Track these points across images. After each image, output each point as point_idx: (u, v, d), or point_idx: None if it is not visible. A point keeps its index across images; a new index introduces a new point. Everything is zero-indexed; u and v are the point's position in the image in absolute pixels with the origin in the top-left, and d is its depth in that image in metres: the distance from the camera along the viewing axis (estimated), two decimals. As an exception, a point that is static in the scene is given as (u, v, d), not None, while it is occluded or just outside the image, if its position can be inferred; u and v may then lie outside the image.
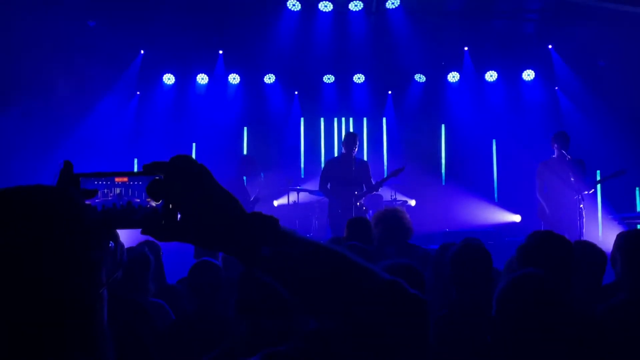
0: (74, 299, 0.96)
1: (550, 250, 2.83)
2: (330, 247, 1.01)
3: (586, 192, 7.69)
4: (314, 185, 10.61)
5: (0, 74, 8.71)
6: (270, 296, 2.17)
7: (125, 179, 1.03)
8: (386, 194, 9.80)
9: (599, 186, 9.17)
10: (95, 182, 1.03)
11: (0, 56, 8.67)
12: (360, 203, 7.87)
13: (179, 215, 0.97)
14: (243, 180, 9.33)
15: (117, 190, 1.02)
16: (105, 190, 1.03)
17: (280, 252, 0.96)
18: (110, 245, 1.04)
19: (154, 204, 1.00)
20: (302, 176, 11.97)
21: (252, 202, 9.25)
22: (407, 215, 5.08)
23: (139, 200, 1.02)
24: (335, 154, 11.82)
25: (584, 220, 7.52)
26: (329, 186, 8.05)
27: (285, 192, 10.60)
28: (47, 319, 0.94)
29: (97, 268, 1.00)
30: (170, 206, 0.97)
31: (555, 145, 8.15)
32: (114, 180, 1.03)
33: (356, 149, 8.13)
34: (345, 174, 7.88)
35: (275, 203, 11.11)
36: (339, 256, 1.00)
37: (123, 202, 1.02)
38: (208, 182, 0.97)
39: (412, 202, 10.85)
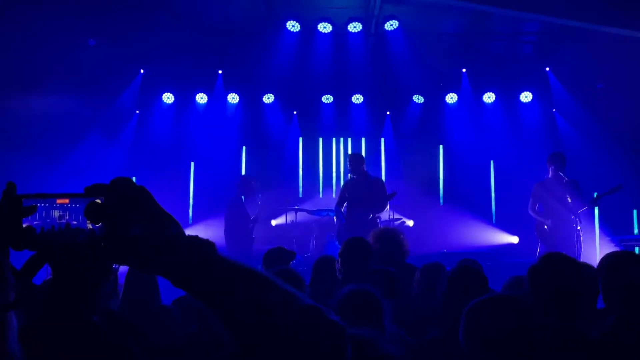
0: None
1: (563, 274, 2.81)
2: (260, 273, 1.02)
3: (580, 210, 7.74)
4: (312, 205, 10.63)
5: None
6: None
7: (66, 201, 1.03)
8: (384, 214, 9.78)
9: (596, 207, 9.17)
10: (37, 204, 1.02)
11: (1, 74, 8.70)
12: (374, 224, 7.86)
13: (117, 238, 0.96)
14: (242, 199, 9.36)
15: (56, 213, 1.03)
16: (44, 213, 1.03)
17: (212, 275, 0.97)
18: (114, 266, 1.04)
19: (90, 226, 1.00)
20: (301, 196, 11.97)
21: (251, 222, 9.26)
22: (404, 236, 5.07)
23: (76, 222, 1.02)
24: (334, 174, 11.87)
25: (582, 240, 7.53)
26: (343, 208, 8.08)
27: (284, 211, 10.61)
28: None
29: None
30: (109, 228, 0.96)
31: (552, 167, 8.19)
32: (54, 202, 1.03)
33: (365, 167, 8.22)
34: (361, 196, 7.90)
35: (273, 222, 11.11)
36: (267, 282, 1.01)
37: (62, 224, 1.02)
38: (147, 205, 0.98)
39: (410, 223, 10.85)
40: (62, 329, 1.06)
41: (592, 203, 8.17)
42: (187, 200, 11.77)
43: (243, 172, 11.81)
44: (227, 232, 9.15)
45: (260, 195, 9.73)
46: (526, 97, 11.85)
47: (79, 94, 9.85)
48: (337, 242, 8.25)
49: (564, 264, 2.88)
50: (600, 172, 10.16)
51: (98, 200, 0.98)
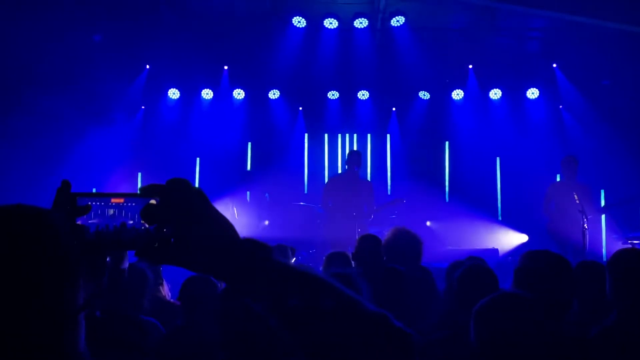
0: (42, 321, 0.95)
1: (548, 270, 2.79)
2: (320, 277, 1.00)
3: (589, 217, 7.79)
4: (317, 201, 10.61)
5: (5, 88, 8.75)
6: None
7: (121, 200, 1.03)
8: (389, 211, 9.70)
9: (603, 215, 9.21)
10: (91, 203, 1.02)
11: (6, 69, 8.72)
12: (361, 224, 7.84)
13: (172, 239, 0.96)
14: (246, 195, 9.37)
15: (111, 212, 1.02)
16: (99, 211, 1.02)
17: (273, 279, 0.96)
18: (107, 260, 1.04)
19: (148, 225, 0.99)
20: (306, 192, 11.96)
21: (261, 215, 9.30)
22: (421, 241, 5.04)
23: (132, 222, 1.01)
24: (339, 170, 11.82)
25: (587, 240, 7.54)
26: (330, 204, 8.03)
27: (289, 207, 10.59)
28: (12, 340, 0.93)
29: (71, 291, 0.99)
30: (164, 229, 0.96)
31: (564, 170, 8.25)
32: (109, 201, 1.03)
33: (360, 167, 8.13)
34: (347, 192, 7.86)
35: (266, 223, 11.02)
36: (328, 287, 1.00)
37: (117, 223, 1.01)
38: (203, 207, 0.97)
39: (428, 222, 10.89)
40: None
41: (601, 211, 8.26)
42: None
43: (248, 168, 11.81)
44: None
45: (267, 194, 9.75)
46: (533, 93, 11.79)
47: (85, 89, 9.85)
48: (329, 239, 8.22)
49: (548, 261, 2.85)
50: (607, 169, 10.12)
51: (153, 201, 0.97)
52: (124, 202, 1.03)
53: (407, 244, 4.86)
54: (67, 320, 0.98)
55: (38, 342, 0.95)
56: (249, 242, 0.98)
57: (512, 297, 2.24)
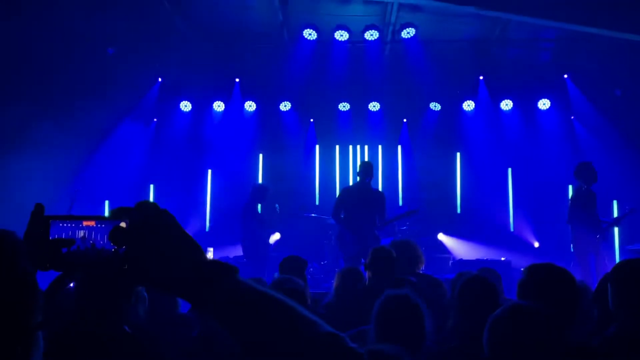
0: None
1: (550, 284, 2.79)
2: (280, 298, 1.02)
3: (602, 233, 7.81)
4: (328, 212, 10.64)
5: (19, 100, 8.83)
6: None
7: (92, 223, 1.05)
8: (401, 222, 9.70)
9: (616, 228, 9.17)
10: (62, 225, 1.05)
11: (20, 82, 8.81)
12: (374, 236, 7.84)
13: (139, 261, 0.98)
14: (257, 207, 9.40)
15: (82, 233, 1.05)
16: (71, 233, 1.05)
17: (232, 299, 0.98)
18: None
19: (116, 247, 1.02)
20: (317, 203, 11.97)
21: (268, 229, 9.33)
22: (418, 246, 5.10)
23: (102, 242, 1.04)
24: (350, 182, 11.82)
25: (599, 252, 7.53)
26: (342, 215, 8.02)
27: (300, 218, 10.62)
28: None
29: (27, 309, 1.01)
30: (132, 251, 0.98)
31: (580, 176, 8.20)
32: (81, 223, 1.06)
33: (371, 178, 8.12)
34: (359, 203, 7.85)
35: (290, 230, 11.08)
36: (286, 307, 1.02)
37: (87, 244, 1.04)
38: (170, 229, 0.99)
39: (440, 234, 10.90)
40: (95, 337, 1.08)
41: (611, 226, 8.23)
42: (204, 207, 11.83)
43: (260, 180, 11.83)
44: (244, 239, 9.20)
45: (277, 205, 9.78)
46: (544, 104, 11.75)
47: (97, 101, 9.93)
48: (340, 251, 8.21)
49: (551, 274, 2.85)
50: (619, 180, 10.06)
51: (123, 224, 1.01)
52: (95, 224, 1.06)
53: (406, 254, 4.92)
54: (20, 338, 1.01)
55: None
56: (213, 263, 1.00)
57: (526, 308, 2.25)
